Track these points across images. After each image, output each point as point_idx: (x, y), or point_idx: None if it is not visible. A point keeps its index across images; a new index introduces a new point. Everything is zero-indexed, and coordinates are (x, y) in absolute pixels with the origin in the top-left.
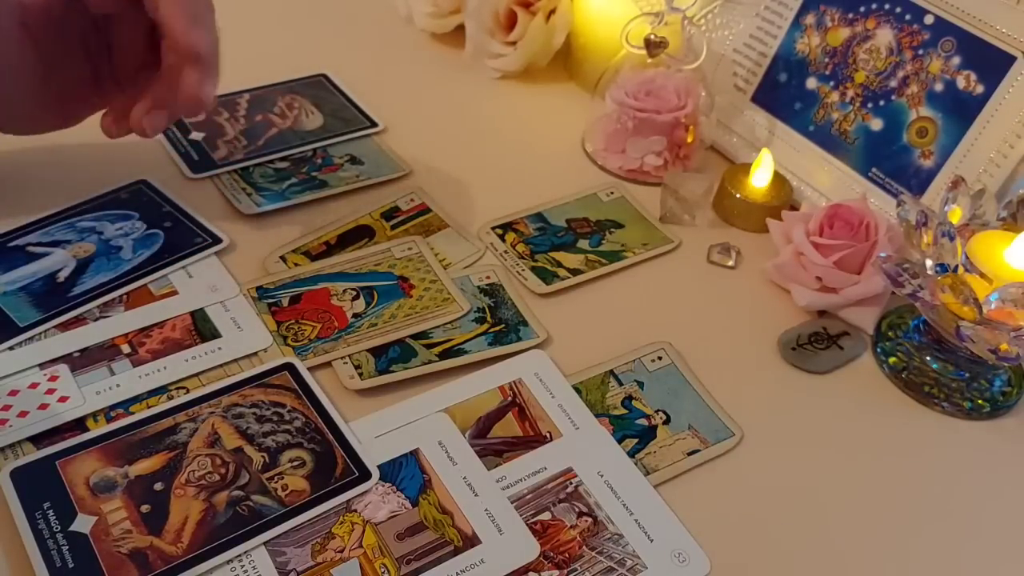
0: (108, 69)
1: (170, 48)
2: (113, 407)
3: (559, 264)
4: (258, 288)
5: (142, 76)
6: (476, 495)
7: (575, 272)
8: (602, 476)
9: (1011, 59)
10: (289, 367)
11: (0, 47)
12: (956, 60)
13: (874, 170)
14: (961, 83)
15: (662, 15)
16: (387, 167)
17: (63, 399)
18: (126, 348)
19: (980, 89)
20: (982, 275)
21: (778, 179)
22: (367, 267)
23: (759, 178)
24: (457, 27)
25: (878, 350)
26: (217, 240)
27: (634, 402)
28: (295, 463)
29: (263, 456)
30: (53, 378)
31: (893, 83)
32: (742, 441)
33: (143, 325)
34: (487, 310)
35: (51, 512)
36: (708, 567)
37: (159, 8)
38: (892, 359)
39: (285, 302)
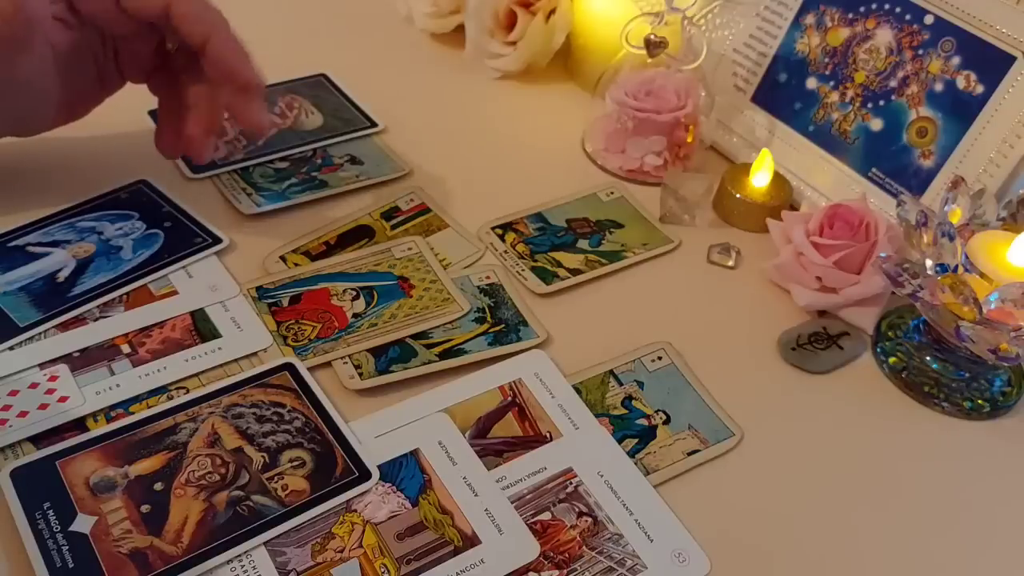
0: (113, 67)
1: (224, 83)
2: (113, 407)
3: (559, 264)
4: (258, 288)
5: (153, 77)
6: (476, 495)
7: (575, 272)
8: (602, 476)
9: (1011, 59)
10: (289, 367)
11: (40, 86)
12: (956, 60)
13: (874, 170)
14: (961, 83)
15: (662, 15)
16: (387, 167)
17: (63, 399)
18: (126, 348)
19: (980, 89)
20: (982, 275)
21: (778, 179)
22: (367, 267)
23: (759, 178)
24: (457, 27)
25: (878, 350)
26: (217, 240)
27: (634, 402)
28: (295, 463)
29: (263, 456)
30: (53, 378)
31: (893, 83)
32: (742, 441)
33: (143, 325)
34: (487, 310)
35: (51, 512)
36: (708, 567)
37: (208, 49)
38: (892, 359)
39: (285, 302)
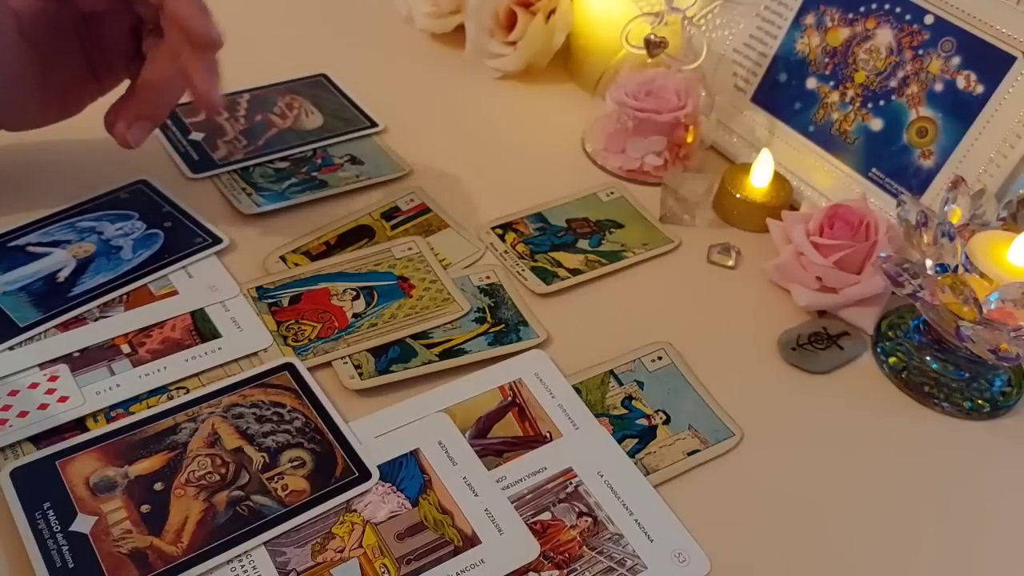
0: (101, 57)
1: (182, 42)
2: (113, 407)
3: (559, 264)
4: (258, 288)
5: (134, 67)
6: (476, 495)
7: (575, 272)
8: (602, 476)
9: (1011, 59)
10: (289, 367)
11: (5, 57)
12: (956, 60)
13: (874, 170)
14: (961, 83)
15: (662, 15)
16: (387, 167)
17: (63, 399)
18: (126, 348)
19: (980, 89)
20: (982, 275)
21: (778, 179)
22: (367, 267)
23: (759, 178)
24: (457, 27)
25: (878, 350)
26: (217, 240)
27: (634, 402)
28: (295, 463)
29: (263, 456)
30: (53, 378)
31: (893, 83)
32: (742, 441)
33: (143, 325)
34: (487, 310)
35: (51, 512)
36: (708, 567)
37: (166, 4)
38: (892, 359)
39: (285, 302)
